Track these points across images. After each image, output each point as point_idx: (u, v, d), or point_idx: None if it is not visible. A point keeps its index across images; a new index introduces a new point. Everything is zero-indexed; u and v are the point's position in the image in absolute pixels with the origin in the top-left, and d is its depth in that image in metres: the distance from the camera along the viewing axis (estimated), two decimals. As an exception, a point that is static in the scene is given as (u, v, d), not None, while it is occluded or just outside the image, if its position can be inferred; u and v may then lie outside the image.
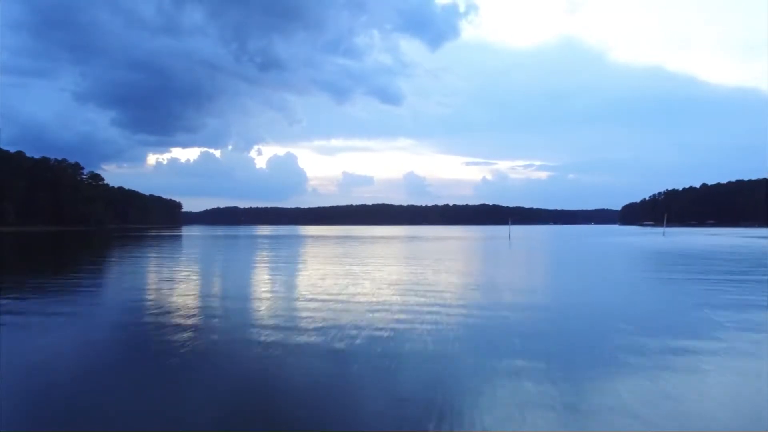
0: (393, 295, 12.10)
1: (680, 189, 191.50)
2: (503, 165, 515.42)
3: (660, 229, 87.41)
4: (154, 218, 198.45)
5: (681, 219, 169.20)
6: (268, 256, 27.89)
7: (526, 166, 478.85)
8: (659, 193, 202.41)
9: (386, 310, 9.91)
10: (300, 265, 22.21)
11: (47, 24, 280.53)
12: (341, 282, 14.64)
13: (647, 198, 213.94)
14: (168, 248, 37.85)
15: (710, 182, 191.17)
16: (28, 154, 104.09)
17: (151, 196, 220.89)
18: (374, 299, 11.36)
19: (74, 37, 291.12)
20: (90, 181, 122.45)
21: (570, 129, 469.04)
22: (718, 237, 59.54)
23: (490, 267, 22.37)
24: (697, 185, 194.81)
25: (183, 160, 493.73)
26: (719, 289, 13.22)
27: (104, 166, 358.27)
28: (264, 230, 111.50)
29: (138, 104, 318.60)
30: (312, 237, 63.03)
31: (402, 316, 9.32)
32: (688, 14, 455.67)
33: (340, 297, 11.63)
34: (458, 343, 7.32)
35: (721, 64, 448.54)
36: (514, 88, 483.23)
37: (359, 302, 10.93)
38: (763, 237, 58.79)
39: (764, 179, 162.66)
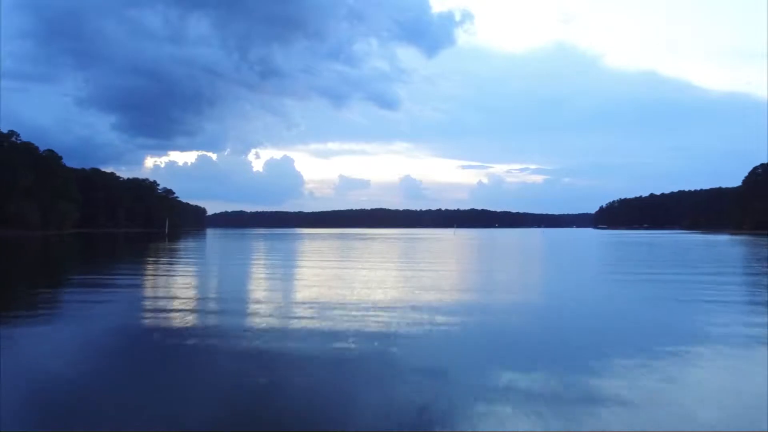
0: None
1: (631, 197, 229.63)
2: (499, 168, 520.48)
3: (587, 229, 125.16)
4: (190, 222, 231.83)
5: (628, 223, 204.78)
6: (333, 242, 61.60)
7: (521, 170, 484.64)
8: (614, 201, 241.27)
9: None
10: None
11: (53, 32, 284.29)
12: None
13: (604, 206, 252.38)
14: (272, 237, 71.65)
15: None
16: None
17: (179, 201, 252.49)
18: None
19: (79, 45, 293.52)
20: (165, 194, 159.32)
21: (565, 133, 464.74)
22: (597, 235, 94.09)
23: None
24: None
25: (181, 163, 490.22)
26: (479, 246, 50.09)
27: (102, 169, 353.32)
28: (280, 232, 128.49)
29: (139, 109, 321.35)
30: (310, 237, 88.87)
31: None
32: (681, 20, 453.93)
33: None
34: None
35: (714, 70, 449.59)
36: (509, 94, 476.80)
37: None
38: (635, 236, 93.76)
39: (699, 190, 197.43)
